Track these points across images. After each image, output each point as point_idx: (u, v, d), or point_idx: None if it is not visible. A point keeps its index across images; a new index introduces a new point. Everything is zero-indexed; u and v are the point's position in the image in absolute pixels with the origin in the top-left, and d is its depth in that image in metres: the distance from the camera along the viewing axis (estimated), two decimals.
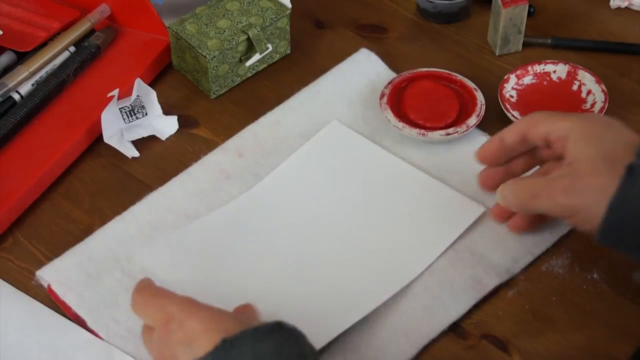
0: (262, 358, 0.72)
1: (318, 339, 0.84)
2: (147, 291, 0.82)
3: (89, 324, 0.88)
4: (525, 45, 1.11)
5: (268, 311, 0.85)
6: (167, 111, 1.03)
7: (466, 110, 1.03)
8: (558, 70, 1.06)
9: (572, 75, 1.05)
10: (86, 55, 1.07)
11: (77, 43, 1.08)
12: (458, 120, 1.02)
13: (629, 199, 0.79)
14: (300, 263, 0.91)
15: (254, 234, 0.93)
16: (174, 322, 0.77)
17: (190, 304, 0.79)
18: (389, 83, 1.05)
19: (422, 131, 1.01)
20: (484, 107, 1.02)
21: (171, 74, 1.09)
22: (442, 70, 1.06)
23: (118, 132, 1.01)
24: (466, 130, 1.01)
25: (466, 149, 1.01)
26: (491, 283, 0.90)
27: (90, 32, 1.09)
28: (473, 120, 1.01)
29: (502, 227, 0.94)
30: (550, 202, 0.84)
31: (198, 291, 0.82)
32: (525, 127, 0.88)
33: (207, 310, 0.78)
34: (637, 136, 0.84)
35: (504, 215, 0.93)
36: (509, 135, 0.89)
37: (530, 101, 1.04)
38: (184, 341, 0.76)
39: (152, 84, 1.06)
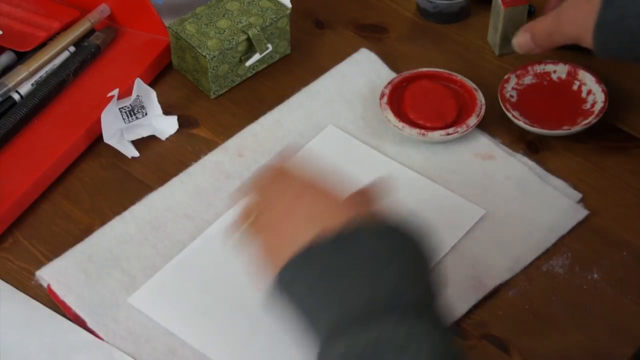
0: (374, 254, 0.73)
1: None
2: (279, 168, 0.81)
3: (89, 324, 0.88)
4: None
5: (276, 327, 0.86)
6: (167, 111, 1.03)
7: (466, 110, 1.03)
8: (558, 70, 1.06)
9: (572, 75, 1.05)
10: (86, 55, 1.07)
11: (77, 43, 1.08)
12: (458, 120, 1.02)
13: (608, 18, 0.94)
14: None
15: None
16: (305, 198, 0.77)
17: (323, 187, 0.78)
18: (389, 83, 1.05)
19: (422, 131, 1.01)
20: (484, 107, 1.02)
21: (171, 74, 1.09)
22: (442, 70, 1.06)
23: (118, 132, 1.01)
24: (466, 130, 1.01)
25: (466, 149, 1.01)
26: (491, 283, 0.90)
27: (90, 32, 1.09)
28: (473, 120, 1.01)
29: (502, 228, 0.94)
30: (561, 37, 0.99)
31: (200, 320, 0.87)
32: None
33: (337, 197, 0.77)
34: None
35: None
36: None
37: (531, 101, 1.04)
38: (312, 217, 0.76)
39: (152, 84, 1.06)
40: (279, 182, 0.80)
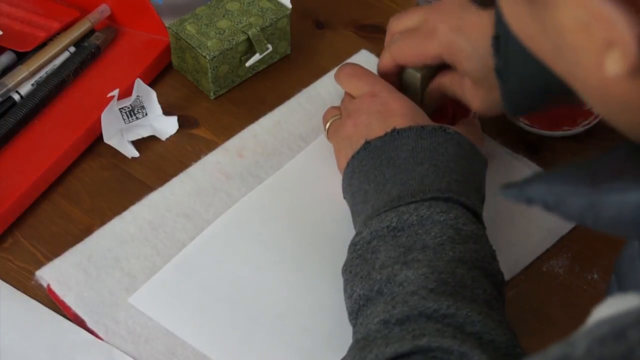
0: (419, 151, 0.85)
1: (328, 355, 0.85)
2: (360, 68, 0.96)
3: (89, 324, 0.88)
4: None
5: (276, 327, 0.87)
6: (167, 111, 1.03)
7: (460, 114, 1.01)
8: None
9: None
10: (86, 55, 1.07)
11: (77, 43, 1.08)
12: (454, 122, 1.01)
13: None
14: (302, 275, 0.91)
15: (248, 251, 0.93)
16: (379, 97, 0.91)
17: (396, 91, 0.92)
18: None
19: None
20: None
21: (171, 74, 1.09)
22: None
23: (118, 132, 1.01)
24: None
25: None
26: None
27: (90, 32, 1.09)
28: None
29: (502, 228, 0.94)
30: None
31: (200, 320, 0.87)
32: (396, 64, 0.95)
33: (409, 100, 0.91)
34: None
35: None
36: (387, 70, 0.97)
37: None
38: (383, 114, 0.89)
39: (152, 84, 1.06)
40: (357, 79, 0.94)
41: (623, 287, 0.66)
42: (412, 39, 0.93)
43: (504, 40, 0.84)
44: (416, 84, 0.95)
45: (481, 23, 0.87)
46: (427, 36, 0.91)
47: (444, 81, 0.95)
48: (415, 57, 0.94)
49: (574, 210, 0.54)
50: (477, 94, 0.91)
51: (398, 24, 0.95)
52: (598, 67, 0.50)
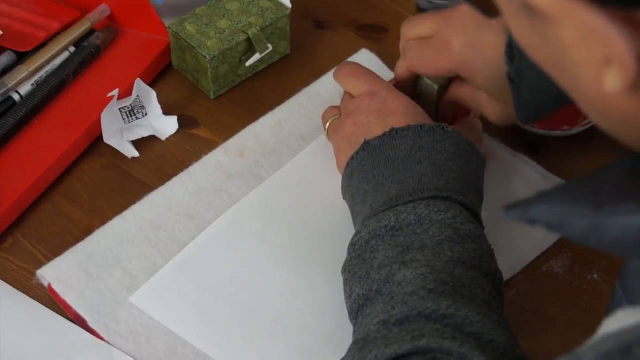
0: (418, 150, 0.86)
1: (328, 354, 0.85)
2: (359, 67, 0.96)
3: (90, 323, 0.88)
4: None
5: (277, 326, 0.87)
6: (167, 111, 1.03)
7: (461, 114, 1.01)
8: None
9: None
10: (86, 55, 1.07)
11: (77, 43, 1.08)
12: (454, 122, 1.01)
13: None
14: (303, 274, 0.91)
15: (248, 250, 0.93)
16: (378, 96, 0.91)
17: (395, 89, 0.92)
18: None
19: None
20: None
21: (171, 74, 1.09)
22: None
23: (118, 132, 1.01)
24: None
25: None
26: None
27: (90, 32, 1.09)
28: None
29: (502, 228, 0.94)
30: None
31: (201, 319, 0.87)
32: (412, 73, 0.95)
33: (407, 99, 0.91)
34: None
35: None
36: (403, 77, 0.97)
37: None
38: (382, 112, 0.90)
39: (152, 84, 1.06)
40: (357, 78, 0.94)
41: (628, 294, 0.66)
42: (425, 50, 0.92)
43: (517, 49, 0.83)
44: (433, 94, 0.95)
45: (496, 41, 0.86)
46: (440, 50, 0.91)
47: (460, 93, 0.95)
48: (430, 69, 0.93)
49: (577, 232, 0.54)
50: (494, 107, 0.91)
51: (411, 31, 0.95)
52: (597, 82, 0.50)
